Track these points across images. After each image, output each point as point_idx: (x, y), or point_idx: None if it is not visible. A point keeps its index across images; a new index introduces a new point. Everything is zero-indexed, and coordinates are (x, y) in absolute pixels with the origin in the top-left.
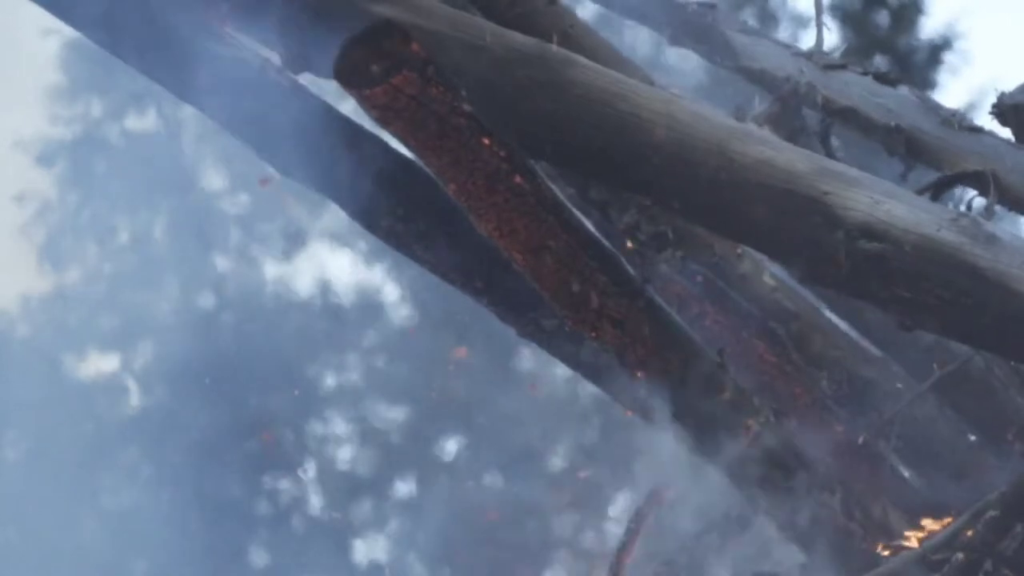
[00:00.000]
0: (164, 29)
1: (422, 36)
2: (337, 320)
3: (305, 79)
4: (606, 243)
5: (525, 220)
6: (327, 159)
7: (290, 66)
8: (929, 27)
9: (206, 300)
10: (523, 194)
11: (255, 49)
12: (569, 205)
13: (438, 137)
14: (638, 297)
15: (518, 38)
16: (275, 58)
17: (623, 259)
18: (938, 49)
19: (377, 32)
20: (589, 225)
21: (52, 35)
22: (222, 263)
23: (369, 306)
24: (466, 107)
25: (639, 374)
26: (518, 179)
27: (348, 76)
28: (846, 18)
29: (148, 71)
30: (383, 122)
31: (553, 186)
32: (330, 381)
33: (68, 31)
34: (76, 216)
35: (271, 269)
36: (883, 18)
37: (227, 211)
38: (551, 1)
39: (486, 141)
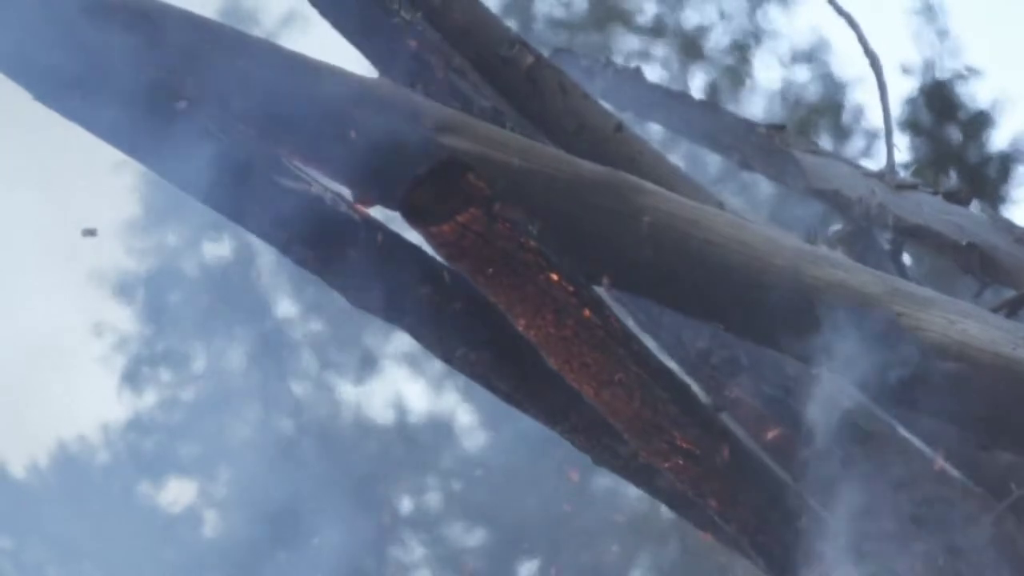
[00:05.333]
0: (234, 164)
1: (490, 168)
2: (414, 444)
3: (376, 212)
4: (677, 372)
5: (595, 354)
6: (399, 291)
7: (361, 199)
8: (1000, 140)
9: (284, 426)
10: (592, 328)
11: (325, 183)
12: (638, 336)
13: (505, 274)
14: (711, 427)
15: (587, 166)
16: (346, 191)
17: (695, 388)
18: (1009, 162)
19: (443, 169)
20: (659, 355)
21: (123, 168)
22: (297, 389)
23: (444, 429)
24: (533, 243)
25: (714, 503)
26: (587, 313)
27: (414, 213)
28: (916, 132)
29: (218, 206)
30: (450, 259)
31: (621, 317)
32: (408, 505)
33: (138, 166)
34: (153, 344)
35: (347, 394)
36: (954, 132)
37: (301, 337)
38: (618, 128)
39: (554, 276)
